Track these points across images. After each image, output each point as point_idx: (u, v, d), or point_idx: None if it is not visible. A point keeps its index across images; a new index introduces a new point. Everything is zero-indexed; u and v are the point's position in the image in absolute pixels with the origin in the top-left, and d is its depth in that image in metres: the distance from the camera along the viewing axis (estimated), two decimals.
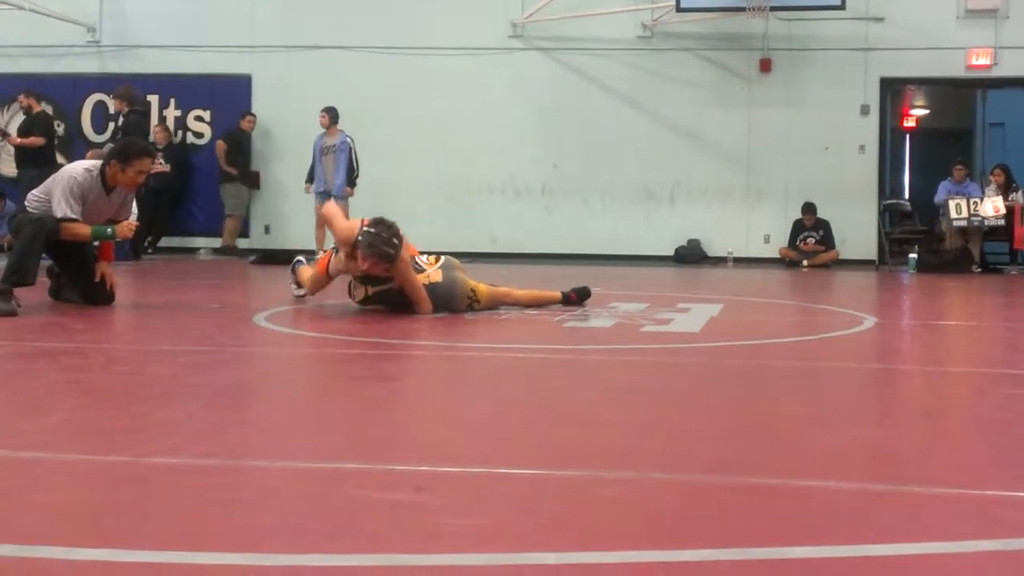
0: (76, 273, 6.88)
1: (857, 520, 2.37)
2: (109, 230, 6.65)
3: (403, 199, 13.78)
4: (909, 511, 2.46)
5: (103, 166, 6.67)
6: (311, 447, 3.05)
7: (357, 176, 13.41)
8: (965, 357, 5.74)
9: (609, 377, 4.57)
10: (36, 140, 12.68)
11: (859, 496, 2.56)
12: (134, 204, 7.01)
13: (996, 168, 14.05)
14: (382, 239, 6.30)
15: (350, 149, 13.30)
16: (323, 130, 13.47)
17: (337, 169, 13.25)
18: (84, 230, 6.56)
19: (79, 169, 6.67)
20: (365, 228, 6.38)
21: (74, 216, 6.51)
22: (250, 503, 2.47)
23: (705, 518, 2.37)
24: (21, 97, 13.30)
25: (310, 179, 13.56)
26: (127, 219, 6.84)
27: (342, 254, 6.66)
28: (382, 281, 6.57)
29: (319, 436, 3.22)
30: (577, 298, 7.29)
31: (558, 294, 7.28)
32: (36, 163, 12.16)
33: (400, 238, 6.38)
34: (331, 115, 13.40)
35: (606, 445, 3.11)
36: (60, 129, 14.53)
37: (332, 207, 7.40)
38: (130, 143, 7.05)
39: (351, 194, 13.26)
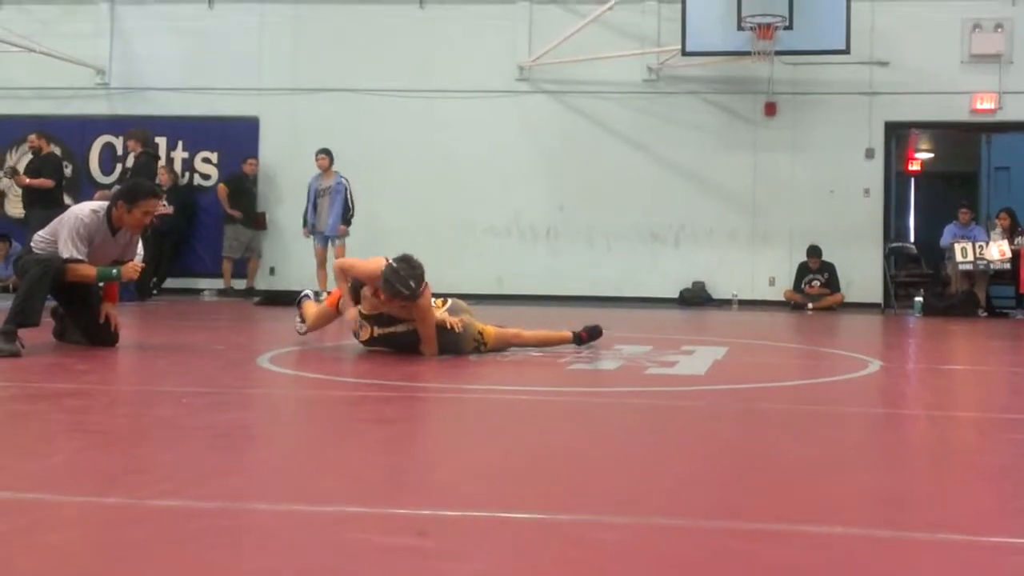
0: (80, 314, 6.87)
1: (862, 566, 2.35)
2: (115, 271, 6.64)
3: (409, 240, 13.72)
4: (914, 557, 2.44)
5: (109, 207, 6.68)
6: (313, 490, 3.04)
7: (352, 215, 13.46)
8: (971, 402, 5.71)
9: (613, 419, 4.55)
10: (45, 182, 12.77)
11: (864, 542, 2.54)
12: (140, 245, 7.02)
13: (1001, 212, 14.06)
14: (399, 277, 6.27)
15: (346, 190, 13.38)
16: (318, 172, 13.55)
17: (331, 209, 13.30)
18: (90, 271, 6.57)
19: (85, 210, 6.68)
20: (389, 263, 6.37)
21: (80, 257, 6.52)
22: (251, 546, 2.46)
23: (708, 564, 2.36)
24: (32, 137, 13.38)
25: (306, 222, 13.63)
26: (132, 260, 6.84)
27: (367, 291, 6.63)
28: (389, 323, 6.56)
29: (321, 479, 3.21)
30: (588, 337, 7.20)
31: (568, 334, 7.20)
32: (45, 204, 12.23)
33: (420, 280, 6.30)
34: (330, 157, 13.49)
35: (609, 489, 3.09)
36: (68, 170, 14.61)
37: (342, 262, 7.36)
38: (137, 184, 7.08)
39: (346, 233, 13.31)
